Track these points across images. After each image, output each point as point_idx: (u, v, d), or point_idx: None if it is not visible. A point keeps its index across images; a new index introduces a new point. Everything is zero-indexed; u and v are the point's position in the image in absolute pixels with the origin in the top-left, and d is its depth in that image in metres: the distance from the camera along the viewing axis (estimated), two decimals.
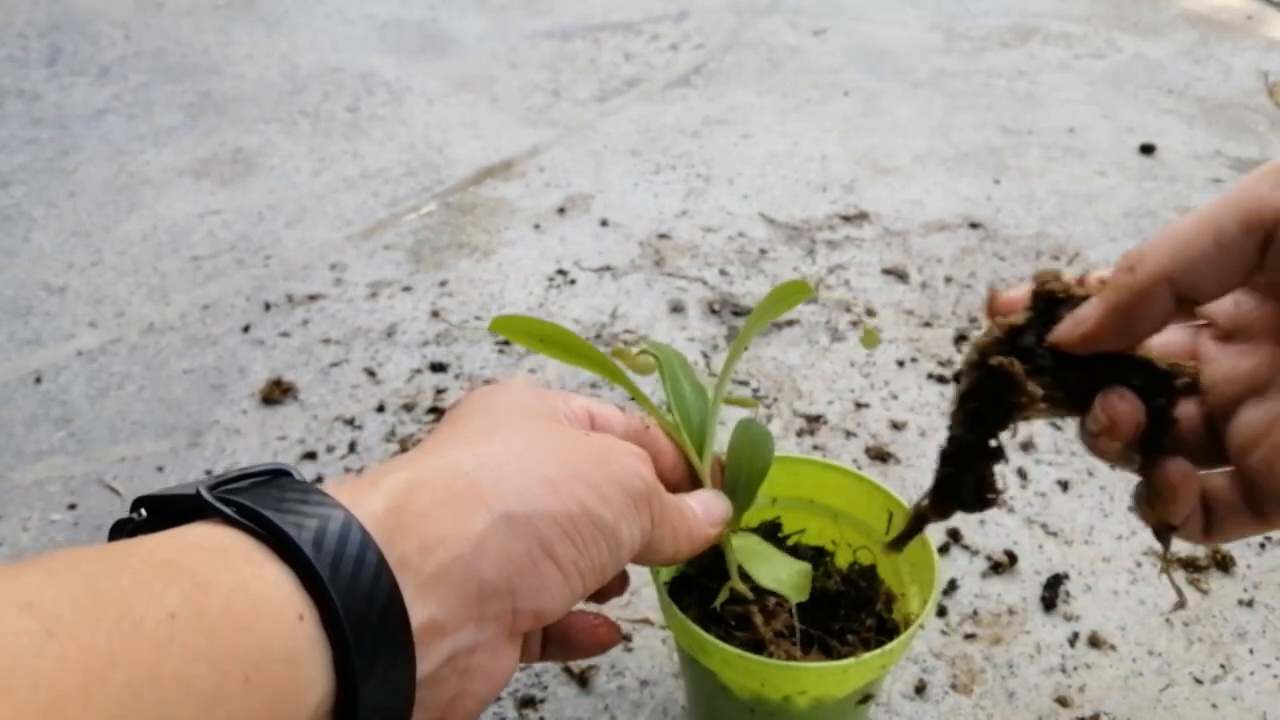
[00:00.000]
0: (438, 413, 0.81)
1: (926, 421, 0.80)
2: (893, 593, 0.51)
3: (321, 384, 0.85)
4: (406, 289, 0.98)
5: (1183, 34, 1.67)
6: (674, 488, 0.41)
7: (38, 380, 0.85)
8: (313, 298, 0.97)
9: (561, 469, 0.33)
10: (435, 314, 0.94)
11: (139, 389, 0.85)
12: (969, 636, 0.62)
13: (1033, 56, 1.59)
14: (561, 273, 1.01)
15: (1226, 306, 0.35)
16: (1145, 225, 1.11)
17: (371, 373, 0.86)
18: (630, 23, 1.72)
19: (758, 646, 0.45)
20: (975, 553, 0.68)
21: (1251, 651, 0.61)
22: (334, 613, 0.27)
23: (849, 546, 0.53)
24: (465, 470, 0.32)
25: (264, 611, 0.26)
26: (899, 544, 0.42)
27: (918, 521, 0.40)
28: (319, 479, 0.75)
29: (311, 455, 0.77)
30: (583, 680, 0.59)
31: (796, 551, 0.51)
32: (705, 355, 0.88)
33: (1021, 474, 0.75)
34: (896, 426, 0.79)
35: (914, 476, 0.74)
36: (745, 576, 0.48)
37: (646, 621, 0.62)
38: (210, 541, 0.27)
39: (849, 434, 0.79)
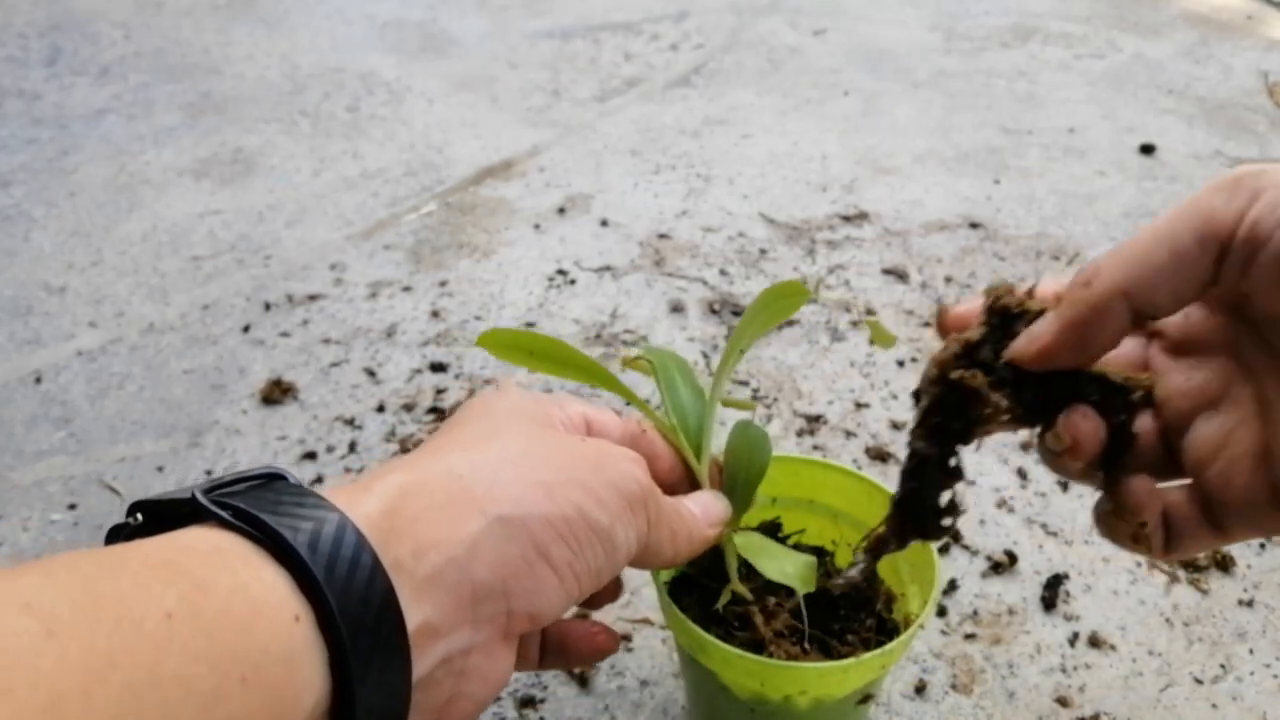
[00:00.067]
0: (438, 413, 0.81)
1: None
2: (893, 593, 0.51)
3: (321, 384, 0.85)
4: (406, 289, 0.98)
5: (1183, 34, 1.67)
6: (672, 490, 0.41)
7: (38, 380, 0.85)
8: (313, 298, 0.97)
9: (557, 473, 0.34)
10: (435, 314, 0.94)
11: (139, 389, 0.85)
12: (969, 636, 0.62)
13: (1033, 56, 1.59)
14: (561, 273, 1.01)
15: (1176, 318, 0.34)
16: (1145, 225, 1.11)
17: (371, 373, 0.86)
18: (630, 23, 1.72)
19: (758, 646, 0.45)
20: (975, 553, 0.68)
21: (1251, 651, 0.61)
22: (330, 615, 0.27)
23: (849, 546, 0.53)
24: (459, 474, 0.32)
25: (262, 613, 0.26)
26: (856, 575, 0.42)
27: (876, 548, 0.41)
28: (319, 479, 0.75)
29: (311, 455, 0.77)
30: (583, 680, 0.59)
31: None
32: (705, 355, 0.88)
33: (1021, 474, 0.75)
34: (896, 426, 0.79)
35: None
36: (747, 575, 0.48)
37: (646, 621, 0.62)
38: (207, 544, 0.28)
39: (849, 434, 0.79)
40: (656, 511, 0.37)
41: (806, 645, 0.46)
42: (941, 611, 0.64)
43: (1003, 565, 0.66)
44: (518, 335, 0.43)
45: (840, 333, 0.91)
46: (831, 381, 0.85)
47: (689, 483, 0.44)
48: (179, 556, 0.26)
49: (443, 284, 0.99)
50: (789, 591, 0.48)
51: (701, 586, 0.49)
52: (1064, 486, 0.73)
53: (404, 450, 0.77)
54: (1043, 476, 0.74)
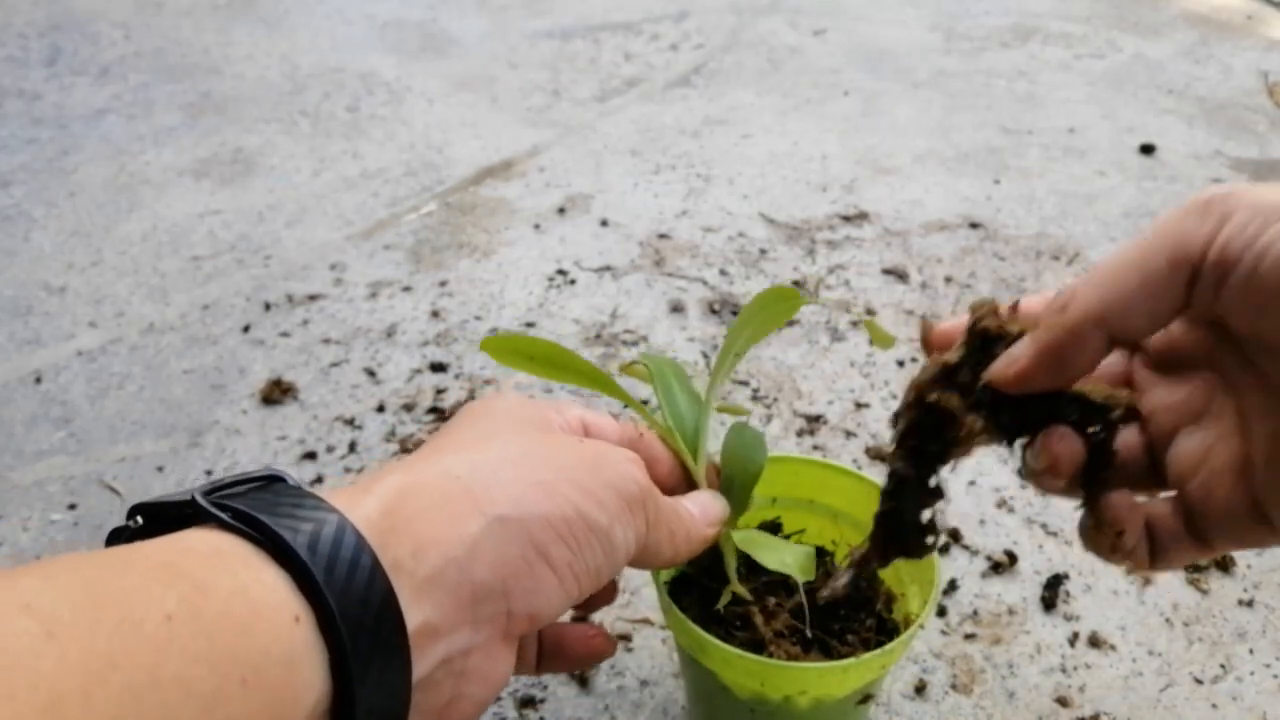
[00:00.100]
0: (438, 413, 0.81)
1: None
2: (893, 593, 0.51)
3: (321, 384, 0.85)
4: (406, 289, 0.98)
5: (1183, 34, 1.67)
6: (670, 493, 0.41)
7: (38, 380, 0.85)
8: (313, 298, 0.97)
9: (555, 473, 0.34)
10: (435, 314, 0.94)
11: (139, 389, 0.85)
12: (969, 636, 0.62)
13: (1033, 56, 1.59)
14: (561, 273, 1.01)
15: (1158, 334, 0.35)
16: (1145, 225, 1.11)
17: (371, 373, 0.86)
18: (630, 23, 1.72)
19: (758, 646, 0.45)
20: (975, 553, 0.68)
21: (1251, 651, 0.61)
22: (330, 616, 0.27)
23: (849, 546, 0.53)
24: (458, 475, 0.32)
25: (262, 615, 0.26)
26: (840, 589, 0.43)
27: (860, 565, 0.41)
28: (319, 479, 0.75)
29: (311, 455, 0.77)
30: (583, 680, 0.59)
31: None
32: (705, 355, 0.88)
33: (1022, 474, 0.74)
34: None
35: None
36: (747, 576, 0.48)
37: (646, 621, 0.62)
38: (207, 546, 0.28)
39: (849, 434, 0.79)
40: (655, 512, 0.37)
41: (809, 632, 0.46)
42: (941, 611, 0.64)
43: (1003, 565, 0.66)
44: (518, 340, 0.43)
45: (840, 333, 0.91)
46: (831, 381, 0.85)
47: (687, 485, 0.44)
48: (179, 558, 0.26)
49: (443, 284, 0.99)
50: (789, 591, 0.49)
51: (701, 586, 0.49)
52: None
53: (404, 450, 0.77)
54: None
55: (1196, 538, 0.33)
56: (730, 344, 0.45)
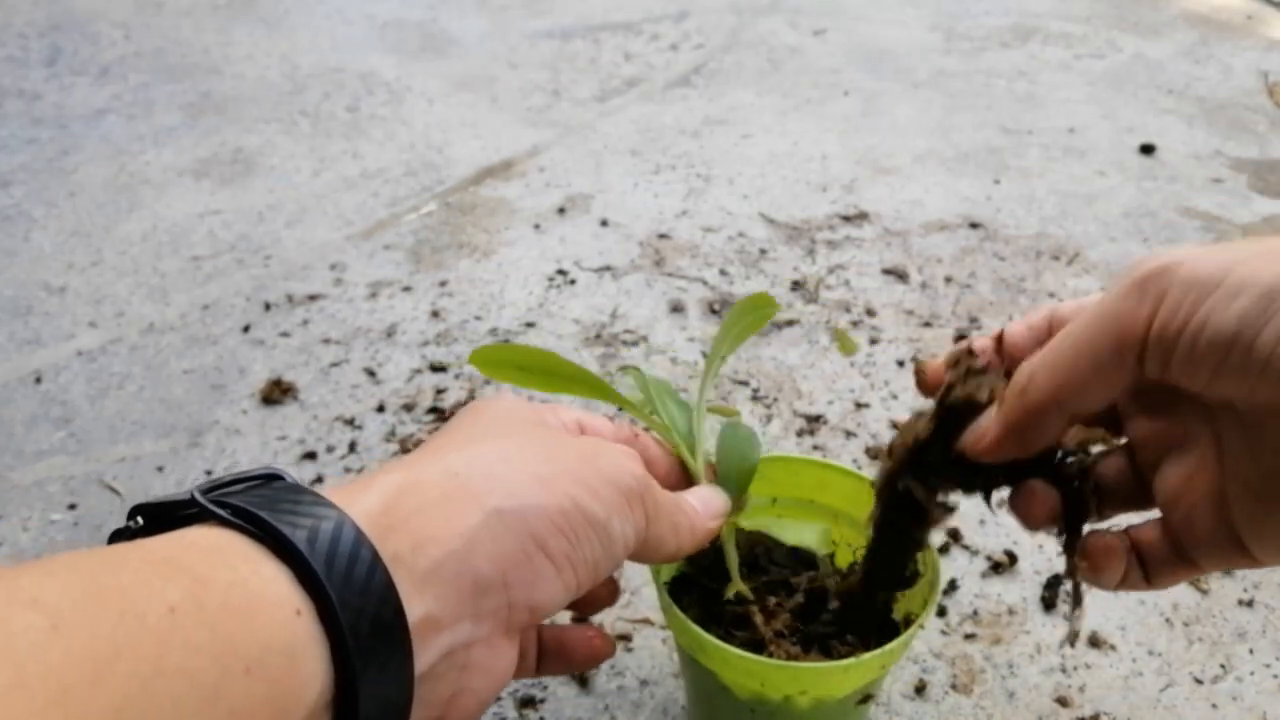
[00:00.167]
0: (438, 413, 0.81)
1: None
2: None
3: (321, 384, 0.85)
4: (406, 289, 0.98)
5: (1183, 34, 1.67)
6: (670, 490, 0.42)
7: (38, 380, 0.85)
8: (313, 298, 0.97)
9: (552, 468, 0.34)
10: (435, 314, 0.94)
11: (139, 389, 0.85)
12: (969, 636, 0.62)
13: (1033, 56, 1.59)
14: (561, 273, 1.01)
15: None
16: (1145, 225, 1.11)
17: (371, 373, 0.86)
18: (630, 23, 1.72)
19: (758, 646, 0.45)
20: (975, 553, 0.68)
21: (1251, 651, 0.61)
22: (330, 608, 0.27)
23: (849, 546, 0.53)
24: (456, 472, 0.33)
25: (262, 607, 0.26)
26: (831, 619, 0.47)
27: (848, 601, 0.45)
28: (319, 479, 0.75)
29: (311, 455, 0.77)
30: (583, 680, 0.59)
31: (797, 551, 0.51)
32: (705, 355, 0.88)
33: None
34: (896, 427, 0.79)
35: None
36: (747, 575, 0.48)
37: (646, 621, 0.62)
38: (207, 542, 0.28)
39: (849, 434, 0.79)
40: (655, 505, 0.37)
41: (801, 649, 0.46)
42: (941, 611, 0.64)
43: (1003, 565, 0.66)
44: (508, 351, 0.44)
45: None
46: (831, 381, 0.85)
47: (686, 482, 0.45)
48: (180, 553, 0.27)
49: (443, 284, 0.99)
50: (789, 591, 0.49)
51: (701, 586, 0.49)
52: None
53: (404, 450, 0.77)
54: None
55: (1185, 560, 0.34)
56: (716, 350, 0.46)
